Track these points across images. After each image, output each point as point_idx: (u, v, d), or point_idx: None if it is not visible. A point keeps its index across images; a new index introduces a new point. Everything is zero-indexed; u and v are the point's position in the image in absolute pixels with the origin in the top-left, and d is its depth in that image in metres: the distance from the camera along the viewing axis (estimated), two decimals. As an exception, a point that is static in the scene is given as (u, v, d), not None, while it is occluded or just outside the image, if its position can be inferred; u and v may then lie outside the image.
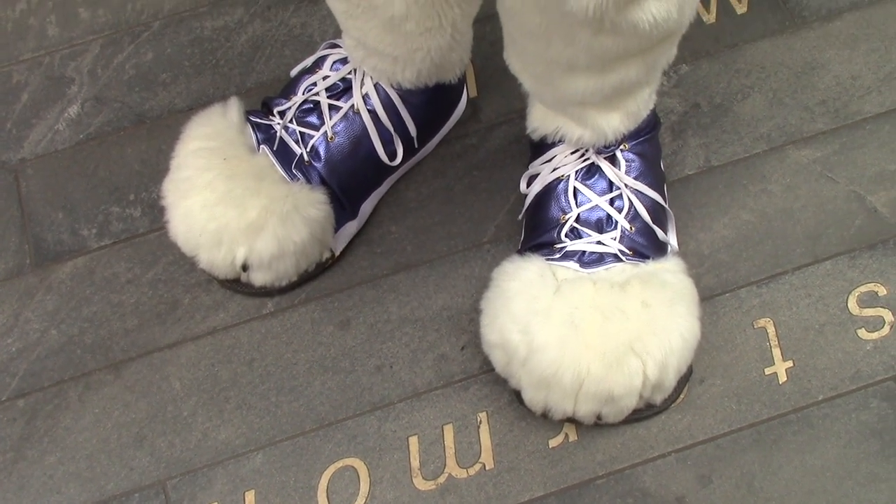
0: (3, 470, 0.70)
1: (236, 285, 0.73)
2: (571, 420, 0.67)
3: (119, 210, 0.79)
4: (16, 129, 0.82)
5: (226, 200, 0.68)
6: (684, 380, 0.69)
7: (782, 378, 0.71)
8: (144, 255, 0.77)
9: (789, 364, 0.71)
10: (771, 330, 0.72)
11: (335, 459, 0.69)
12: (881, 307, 0.72)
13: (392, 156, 0.73)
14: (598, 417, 0.66)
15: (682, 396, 0.70)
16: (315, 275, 0.74)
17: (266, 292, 0.73)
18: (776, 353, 0.71)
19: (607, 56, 0.58)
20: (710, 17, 0.84)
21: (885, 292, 0.73)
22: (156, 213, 0.78)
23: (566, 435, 0.69)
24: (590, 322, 0.64)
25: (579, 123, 0.66)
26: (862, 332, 0.72)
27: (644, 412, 0.68)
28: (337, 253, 0.74)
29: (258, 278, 0.71)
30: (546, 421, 0.69)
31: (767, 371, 0.71)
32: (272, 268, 0.70)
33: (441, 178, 0.78)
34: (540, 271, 0.66)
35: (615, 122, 0.66)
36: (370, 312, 0.74)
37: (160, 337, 0.74)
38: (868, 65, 0.81)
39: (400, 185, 0.78)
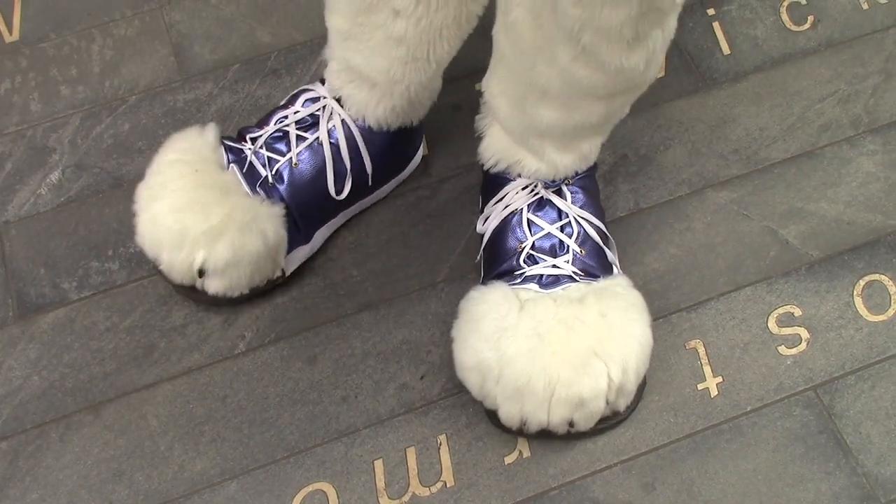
0: (-15, 509, 0.73)
1: (191, 292, 0.78)
2: (542, 433, 0.72)
3: (98, 264, 0.84)
4: (0, 195, 0.88)
5: (191, 206, 0.74)
6: (642, 386, 0.75)
7: (714, 392, 0.77)
8: (122, 304, 0.82)
9: (719, 380, 0.78)
10: (701, 350, 0.79)
11: (305, 484, 0.74)
12: (798, 326, 0.80)
13: (339, 191, 0.80)
14: (571, 425, 0.72)
15: (640, 403, 0.76)
16: (264, 291, 0.80)
17: (217, 301, 0.78)
18: (707, 370, 0.78)
19: (577, 90, 0.66)
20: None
21: (800, 313, 0.81)
22: (133, 266, 0.84)
23: (520, 452, 0.75)
24: (554, 333, 0.70)
25: (536, 157, 0.74)
26: (782, 349, 0.79)
27: (610, 420, 0.74)
28: (287, 273, 0.80)
29: (212, 285, 0.76)
30: (501, 439, 0.75)
31: (700, 387, 0.78)
32: (226, 275, 0.76)
33: (398, 225, 0.85)
34: (504, 294, 0.73)
35: (567, 160, 0.74)
36: (335, 348, 0.80)
37: (137, 379, 0.79)
38: (773, 118, 0.91)
39: (360, 232, 0.85)
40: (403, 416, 0.76)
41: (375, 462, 0.75)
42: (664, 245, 0.85)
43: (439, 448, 0.75)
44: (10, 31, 0.97)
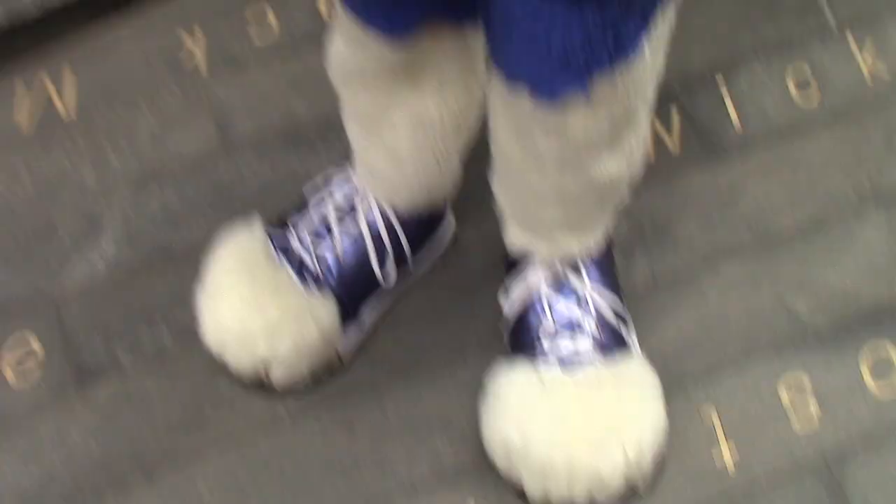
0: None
1: (258, 387, 0.84)
2: None
3: (149, 333, 0.90)
4: (56, 266, 0.94)
5: (250, 305, 0.81)
6: (659, 460, 0.80)
7: (728, 461, 0.82)
8: (173, 372, 0.88)
9: (733, 448, 0.83)
10: (715, 418, 0.84)
11: (346, 548, 0.79)
12: (808, 395, 0.85)
13: (386, 277, 0.86)
14: (592, 502, 0.77)
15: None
16: (326, 380, 0.86)
17: (285, 393, 0.84)
18: (721, 438, 0.83)
19: (570, 195, 0.73)
20: (650, 157, 0.99)
21: (810, 383, 0.86)
22: (183, 334, 0.89)
23: (545, 517, 0.80)
24: (574, 415, 0.76)
25: (548, 243, 0.80)
26: (793, 419, 0.84)
27: (630, 495, 0.79)
28: (345, 359, 0.86)
29: (277, 379, 0.82)
30: (526, 505, 0.80)
31: (715, 455, 0.83)
32: (290, 369, 0.82)
33: (432, 301, 0.90)
34: (527, 376, 0.78)
35: (577, 244, 0.80)
36: (371, 417, 0.85)
37: (187, 446, 0.84)
38: (781, 189, 0.96)
39: (398, 310, 0.90)
40: (436, 483, 0.82)
41: (410, 527, 0.80)
42: (679, 314, 0.90)
43: (469, 512, 0.81)
44: (67, 110, 1.03)
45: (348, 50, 0.71)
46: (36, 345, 0.90)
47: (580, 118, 0.64)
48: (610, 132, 0.66)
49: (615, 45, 0.60)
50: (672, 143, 0.99)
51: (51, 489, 0.83)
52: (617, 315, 0.83)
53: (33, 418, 0.86)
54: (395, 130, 0.76)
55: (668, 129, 1.00)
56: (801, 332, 0.88)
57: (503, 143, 0.72)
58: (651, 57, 0.63)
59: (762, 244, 0.93)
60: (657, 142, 0.99)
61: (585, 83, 0.62)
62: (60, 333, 0.91)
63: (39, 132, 1.02)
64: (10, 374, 0.89)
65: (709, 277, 0.91)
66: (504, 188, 0.78)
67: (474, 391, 0.84)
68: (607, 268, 0.84)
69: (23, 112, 1.02)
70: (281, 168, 0.99)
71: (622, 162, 0.70)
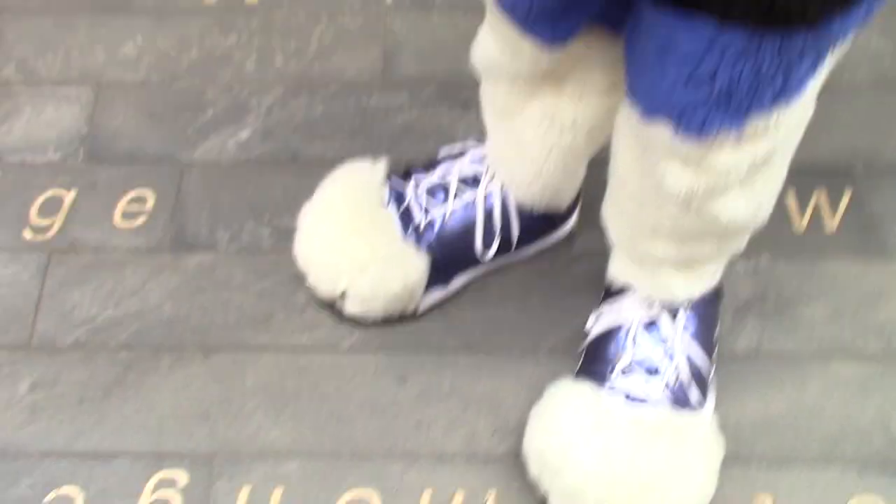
0: (90, 403, 0.83)
1: (330, 308, 0.85)
2: None
3: (253, 226, 0.92)
4: (194, 136, 0.98)
5: (345, 238, 0.82)
6: None
7: (766, 555, 0.77)
8: (260, 267, 0.90)
9: (777, 545, 0.77)
10: (769, 509, 0.79)
11: (356, 486, 0.79)
12: (876, 524, 0.78)
13: (485, 252, 0.85)
14: None
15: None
16: (396, 322, 0.85)
17: (351, 322, 0.85)
18: (767, 530, 0.78)
19: (687, 232, 0.69)
20: (800, 227, 0.92)
21: (883, 511, 0.78)
22: (281, 237, 0.91)
23: (559, 536, 0.77)
24: (622, 457, 0.73)
25: (653, 280, 0.76)
26: (851, 540, 0.77)
27: None
28: (420, 311, 0.85)
29: (349, 308, 0.83)
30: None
31: (755, 544, 0.77)
32: (364, 305, 0.82)
33: (524, 285, 0.89)
34: (587, 401, 0.75)
35: (682, 286, 0.75)
36: (426, 377, 0.84)
37: (249, 339, 0.86)
38: (928, 308, 0.88)
39: (487, 278, 0.88)
40: (464, 460, 0.80)
41: (425, 490, 0.79)
42: (771, 394, 0.84)
43: (486, 502, 0.78)
44: (253, -5, 1.07)
45: (498, 51, 0.70)
46: (150, 201, 0.94)
47: (723, 154, 0.61)
48: (747, 172, 0.62)
49: (783, 86, 0.56)
50: (831, 222, 0.93)
51: (116, 331, 0.86)
52: (700, 374, 0.78)
53: (124, 264, 0.90)
54: (526, 125, 0.75)
55: (834, 206, 0.93)
56: (892, 458, 0.80)
57: (623, 169, 0.69)
58: (808, 102, 0.61)
59: (887, 358, 0.85)
60: (815, 215, 0.93)
61: (742, 122, 0.58)
62: (175, 199, 0.94)
63: (221, 9, 1.06)
64: (117, 219, 0.93)
65: (816, 370, 0.85)
66: (615, 215, 0.75)
67: (532, 391, 0.81)
68: (706, 324, 0.80)
69: (214, -14, 1.07)
70: (428, 117, 0.99)
71: (749, 207, 0.65)
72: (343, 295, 0.83)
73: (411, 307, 0.84)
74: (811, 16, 0.52)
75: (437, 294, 0.85)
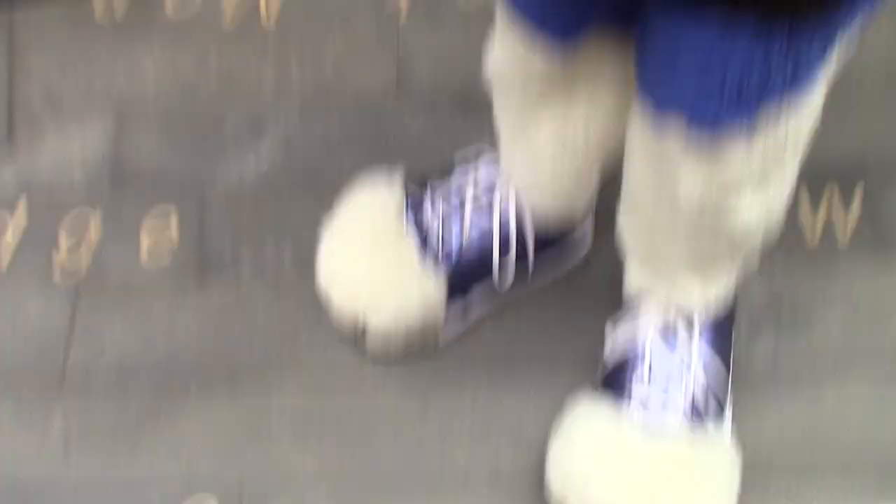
0: (122, 433, 0.85)
1: (353, 342, 0.86)
2: None
3: (274, 248, 0.93)
4: (215, 155, 0.99)
5: (366, 267, 0.83)
6: None
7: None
8: (283, 290, 0.91)
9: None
10: (788, 521, 0.80)
11: None
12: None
13: (503, 268, 0.85)
14: None
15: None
16: (417, 355, 0.86)
17: (374, 359, 0.86)
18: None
19: (702, 239, 0.70)
20: (812, 242, 0.92)
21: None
22: (304, 260, 0.91)
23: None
24: (641, 471, 0.75)
25: (668, 285, 0.77)
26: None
27: None
28: (441, 343, 0.87)
29: (371, 345, 0.85)
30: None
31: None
32: (384, 340, 0.84)
33: (542, 309, 0.89)
34: (608, 417, 0.77)
35: (698, 290, 0.76)
36: (448, 400, 0.86)
37: (274, 366, 0.88)
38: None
39: (508, 307, 0.89)
40: (487, 482, 0.82)
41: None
42: (788, 406, 0.85)
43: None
44: (269, 16, 1.07)
45: (509, 61, 0.71)
46: (174, 226, 0.95)
47: (735, 152, 0.61)
48: (759, 171, 0.63)
49: (793, 74, 0.56)
50: (844, 230, 0.92)
51: (143, 363, 0.88)
52: (717, 385, 0.79)
53: (152, 293, 0.92)
54: (538, 134, 0.75)
55: (846, 213, 0.93)
56: (913, 472, 0.81)
57: (637, 178, 0.70)
58: (817, 94, 0.61)
59: (902, 371, 0.86)
60: (828, 225, 0.92)
61: (753, 114, 0.59)
62: (198, 218, 0.95)
63: (238, 29, 1.06)
64: (144, 242, 0.94)
65: (834, 381, 0.85)
66: (630, 218, 0.76)
67: (554, 409, 0.83)
68: (721, 335, 0.81)
69: (230, 8, 1.07)
70: (444, 128, 0.99)
71: (762, 208, 0.66)
72: (364, 321, 0.84)
73: (432, 338, 0.86)
74: (819, 1, 0.52)
75: (457, 319, 0.86)
